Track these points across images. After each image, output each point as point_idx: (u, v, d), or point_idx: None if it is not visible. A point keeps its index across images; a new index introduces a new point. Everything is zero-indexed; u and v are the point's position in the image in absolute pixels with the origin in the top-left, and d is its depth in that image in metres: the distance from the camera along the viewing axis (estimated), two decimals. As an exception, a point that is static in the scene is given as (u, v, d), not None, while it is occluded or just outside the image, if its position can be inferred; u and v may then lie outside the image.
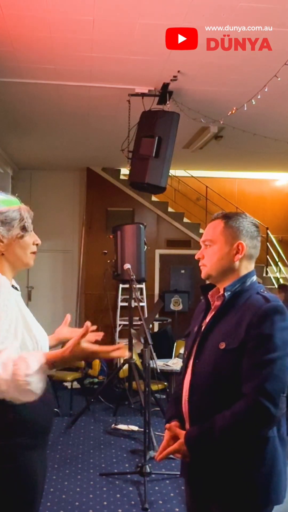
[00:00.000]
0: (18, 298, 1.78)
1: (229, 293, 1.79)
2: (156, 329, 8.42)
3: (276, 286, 8.74)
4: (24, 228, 1.76)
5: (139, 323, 6.12)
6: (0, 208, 1.74)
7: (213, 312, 1.85)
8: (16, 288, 1.86)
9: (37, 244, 1.83)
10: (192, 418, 1.80)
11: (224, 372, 1.70)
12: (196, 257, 1.90)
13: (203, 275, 1.88)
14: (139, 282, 6.31)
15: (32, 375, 1.46)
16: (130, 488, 3.99)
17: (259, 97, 4.41)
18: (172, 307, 8.50)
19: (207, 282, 1.92)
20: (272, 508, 1.76)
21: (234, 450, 1.67)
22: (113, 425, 5.46)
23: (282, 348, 1.65)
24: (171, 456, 1.80)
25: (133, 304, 5.81)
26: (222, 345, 1.72)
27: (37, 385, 1.48)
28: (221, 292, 1.82)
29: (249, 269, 1.85)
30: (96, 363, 6.96)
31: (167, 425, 1.87)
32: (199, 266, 1.89)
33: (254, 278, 1.86)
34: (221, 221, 1.86)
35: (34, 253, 1.83)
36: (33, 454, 1.70)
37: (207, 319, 1.86)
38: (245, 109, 4.64)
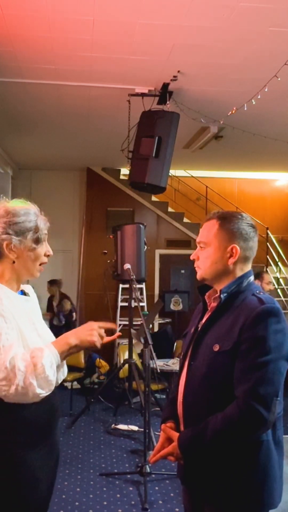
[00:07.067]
0: (23, 307, 1.75)
1: (225, 294, 1.77)
2: (156, 329, 8.42)
3: (276, 286, 8.77)
4: (37, 241, 1.76)
5: (139, 323, 6.12)
6: (17, 218, 1.72)
7: (209, 314, 1.84)
8: (24, 293, 1.85)
9: (48, 255, 1.82)
10: (186, 419, 1.79)
11: (218, 375, 1.69)
12: (191, 258, 1.88)
13: (198, 277, 1.87)
14: (139, 282, 6.30)
15: (45, 357, 1.57)
16: (130, 488, 3.99)
17: (259, 97, 4.41)
18: (172, 307, 8.49)
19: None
20: None
21: (227, 454, 1.66)
22: (113, 425, 5.46)
23: (275, 350, 1.62)
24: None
25: (133, 304, 5.81)
26: (216, 347, 1.70)
27: (50, 370, 1.57)
28: (218, 293, 1.81)
29: (245, 270, 1.82)
30: (104, 363, 6.97)
31: (162, 426, 1.87)
32: (194, 267, 1.89)
33: (251, 278, 1.84)
34: (216, 222, 1.83)
35: (43, 263, 1.82)
36: (32, 452, 1.69)
37: (203, 320, 1.85)
38: (245, 109, 4.64)
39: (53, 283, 7.54)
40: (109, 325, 1.78)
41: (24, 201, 1.81)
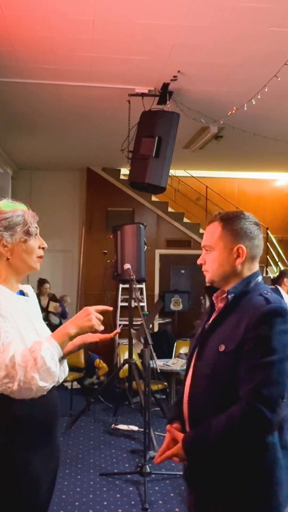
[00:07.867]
0: (21, 307, 1.76)
1: (232, 295, 1.76)
2: (156, 329, 8.42)
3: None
4: (27, 233, 1.77)
5: (139, 323, 6.12)
6: (4, 214, 1.75)
7: (215, 314, 1.82)
8: (23, 294, 1.85)
9: (43, 248, 1.83)
10: (192, 420, 1.78)
11: (223, 375, 1.67)
12: (198, 263, 1.86)
13: (207, 281, 1.84)
14: (139, 282, 6.30)
15: (44, 350, 1.58)
16: (130, 488, 3.98)
17: (259, 97, 4.42)
18: (172, 307, 8.49)
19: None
20: None
21: (231, 455, 1.63)
22: (113, 425, 5.46)
23: (280, 351, 1.59)
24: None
25: (133, 304, 5.81)
26: (222, 348, 1.69)
27: (51, 361, 1.58)
28: (225, 294, 1.79)
29: (253, 270, 1.80)
30: (103, 364, 6.99)
31: (168, 427, 1.85)
32: (203, 271, 1.86)
33: (259, 278, 1.81)
34: (218, 224, 1.81)
35: (40, 257, 1.83)
36: (33, 453, 1.69)
37: (210, 321, 1.83)
38: (245, 109, 4.64)
39: (44, 281, 7.51)
40: (104, 307, 1.78)
41: (9, 201, 1.83)
